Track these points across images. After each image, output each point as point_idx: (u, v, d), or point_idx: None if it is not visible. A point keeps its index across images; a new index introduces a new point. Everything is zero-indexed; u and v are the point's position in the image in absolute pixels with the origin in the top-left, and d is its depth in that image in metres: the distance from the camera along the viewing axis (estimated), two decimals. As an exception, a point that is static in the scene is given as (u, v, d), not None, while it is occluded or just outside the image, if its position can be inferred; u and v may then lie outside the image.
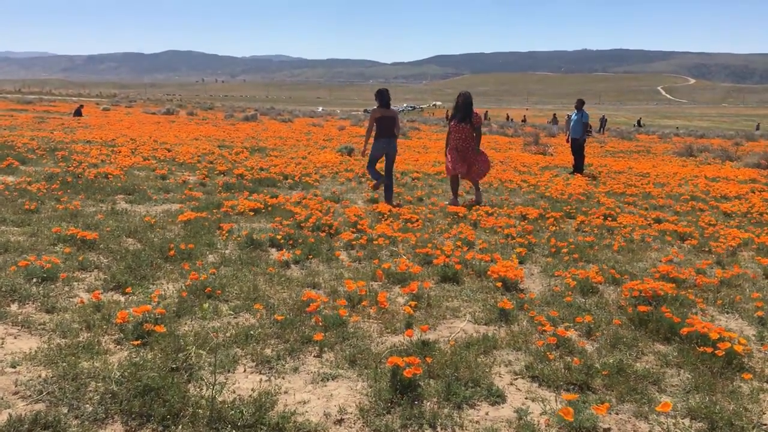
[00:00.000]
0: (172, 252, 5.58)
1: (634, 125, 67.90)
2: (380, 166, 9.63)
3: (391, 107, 9.55)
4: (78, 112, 31.09)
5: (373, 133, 9.42)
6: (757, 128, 70.07)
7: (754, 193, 12.07)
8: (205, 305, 3.67)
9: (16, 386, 3.13)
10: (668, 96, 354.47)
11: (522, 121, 66.67)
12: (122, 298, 4.53)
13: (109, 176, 10.05)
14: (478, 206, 9.12)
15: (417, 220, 7.85)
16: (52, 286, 4.67)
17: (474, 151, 9.78)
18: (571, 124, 15.70)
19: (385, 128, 9.32)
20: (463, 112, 9.72)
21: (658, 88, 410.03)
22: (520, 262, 6.16)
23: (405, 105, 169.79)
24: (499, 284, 5.20)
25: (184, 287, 4.70)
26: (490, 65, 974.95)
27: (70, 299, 4.46)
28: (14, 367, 3.35)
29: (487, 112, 72.65)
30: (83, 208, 7.61)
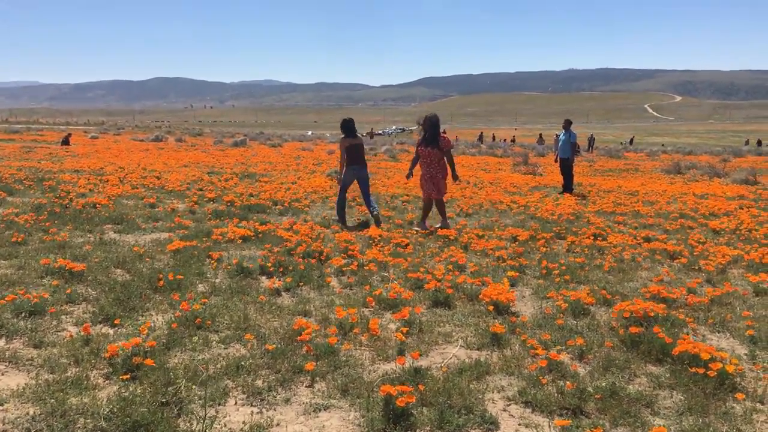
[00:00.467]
0: (161, 282, 5.54)
1: (621, 143, 68.71)
2: (353, 195, 9.79)
3: (358, 134, 9.96)
4: (66, 141, 31.03)
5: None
6: (746, 143, 70.73)
7: (742, 209, 12.15)
8: (195, 338, 3.64)
9: (3, 424, 3.09)
10: (655, 114, 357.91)
11: (511, 141, 67.12)
12: (111, 331, 4.48)
13: (98, 206, 10.01)
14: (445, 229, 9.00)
15: (408, 245, 7.84)
16: (40, 320, 4.63)
17: (443, 175, 9.34)
18: (560, 144, 15.81)
19: (354, 156, 9.69)
20: (430, 135, 9.35)
21: (645, 106, 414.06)
22: (512, 285, 6.16)
23: (394, 127, 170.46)
24: (490, 308, 5.19)
25: (173, 318, 4.66)
26: (478, 86, 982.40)
27: (59, 333, 4.41)
28: (1, 404, 3.30)
29: (482, 133, 73.19)
30: (71, 238, 7.56)
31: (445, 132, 9.59)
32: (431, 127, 9.35)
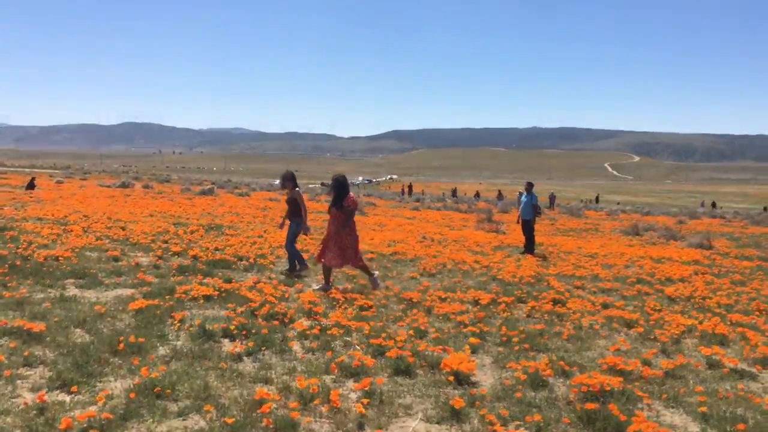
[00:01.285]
0: (121, 345, 5.49)
1: (582, 200, 70.37)
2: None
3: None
4: (31, 185, 30.58)
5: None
6: (702, 205, 72.81)
7: (696, 275, 12.50)
8: (148, 421, 3.62)
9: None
10: (615, 172, 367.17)
11: (475, 196, 68.09)
12: (68, 398, 4.43)
13: (60, 258, 9.88)
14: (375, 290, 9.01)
15: (371, 307, 7.89)
16: (-5, 385, 4.55)
17: (351, 242, 9.12)
18: (521, 206, 16.16)
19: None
20: (335, 196, 9.16)
21: (605, 164, 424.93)
22: (473, 352, 6.24)
23: (361, 178, 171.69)
24: (451, 378, 5.25)
25: (132, 386, 4.62)
26: (444, 140, 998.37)
27: (13, 400, 4.34)
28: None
29: (455, 188, 74.14)
30: (31, 294, 7.45)
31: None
32: (337, 188, 9.11)
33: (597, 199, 75.86)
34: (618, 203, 72.47)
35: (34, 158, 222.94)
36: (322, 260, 9.16)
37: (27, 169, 70.07)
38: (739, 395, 5.28)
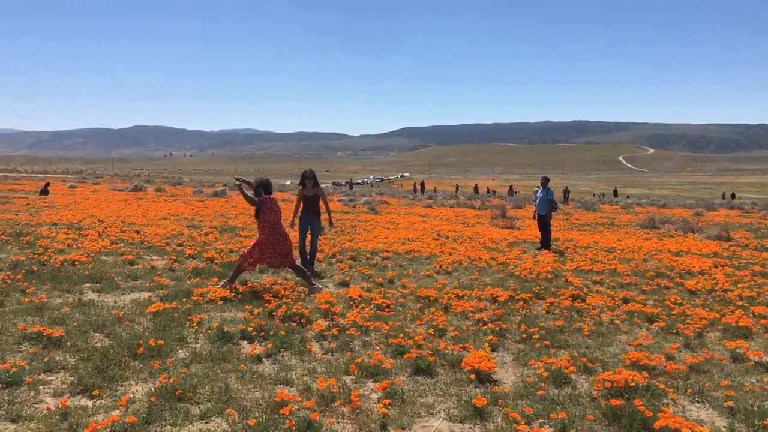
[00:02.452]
0: (141, 349, 5.49)
1: (595, 194, 69.85)
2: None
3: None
4: (44, 191, 30.80)
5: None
6: (723, 197, 71.82)
7: (717, 267, 12.35)
8: (170, 424, 3.60)
9: None
10: (629, 165, 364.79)
11: (487, 192, 67.90)
12: (90, 403, 4.42)
13: (76, 263, 9.91)
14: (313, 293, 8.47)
15: (388, 306, 7.86)
16: (18, 391, 4.55)
17: (282, 243, 8.82)
18: (537, 201, 16.05)
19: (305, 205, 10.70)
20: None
21: (619, 157, 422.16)
22: (492, 350, 6.19)
23: (371, 177, 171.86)
24: (472, 376, 5.21)
25: (153, 390, 4.61)
26: (456, 137, 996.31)
27: (36, 406, 4.34)
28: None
29: (476, 185, 73.84)
30: (49, 299, 7.47)
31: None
32: (262, 190, 8.87)
33: (615, 193, 74.89)
34: (627, 197, 71.77)
35: (47, 163, 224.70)
36: (249, 265, 8.70)
37: (40, 175, 70.62)
38: (765, 388, 5.19)
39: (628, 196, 74.32)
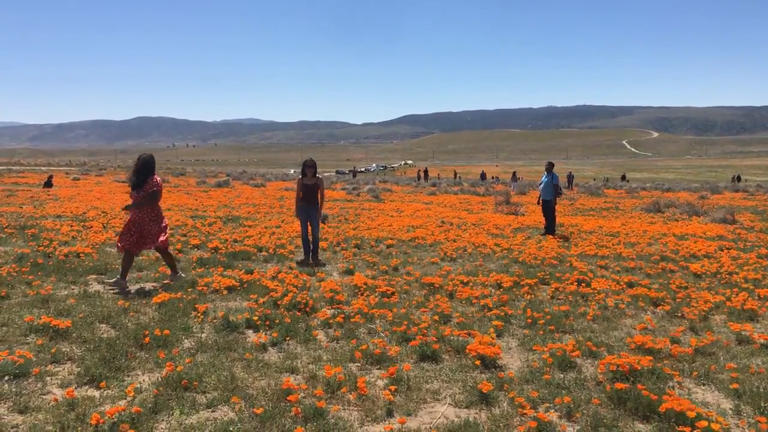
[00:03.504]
0: (147, 339, 5.51)
1: (594, 179, 69.50)
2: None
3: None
4: (48, 183, 30.85)
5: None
6: (733, 180, 70.97)
7: (722, 251, 12.32)
8: (177, 413, 3.61)
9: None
10: (633, 149, 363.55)
11: (492, 178, 67.72)
12: (97, 393, 4.44)
13: (81, 255, 9.94)
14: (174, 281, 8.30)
15: (393, 293, 7.86)
16: (25, 382, 4.58)
17: (153, 225, 8.31)
18: (542, 186, 16.01)
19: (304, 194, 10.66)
20: (137, 177, 8.35)
21: (623, 142, 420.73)
22: (498, 336, 6.19)
23: (374, 165, 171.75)
24: (477, 362, 5.21)
25: (160, 379, 4.63)
26: (459, 123, 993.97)
27: (43, 397, 4.36)
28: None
29: (483, 171, 73.43)
30: (54, 291, 7.49)
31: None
32: (141, 169, 8.33)
33: (624, 178, 74.30)
34: (628, 180, 71.28)
35: (50, 156, 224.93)
36: (122, 247, 8.19)
37: (44, 168, 70.77)
38: (771, 371, 5.18)
39: (628, 180, 73.98)
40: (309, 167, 10.62)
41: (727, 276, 9.51)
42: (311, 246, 10.58)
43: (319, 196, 10.64)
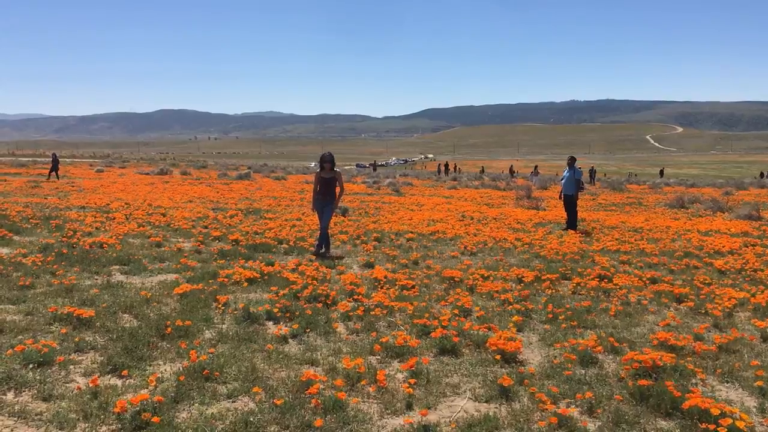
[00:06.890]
0: (168, 329, 5.56)
1: (628, 173, 68.62)
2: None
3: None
4: (54, 167, 30.99)
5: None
6: (762, 175, 69.67)
7: (747, 247, 12.14)
8: (198, 403, 3.63)
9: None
10: (657, 144, 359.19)
11: (510, 172, 67.35)
12: (119, 382, 4.49)
13: (104, 245, 10.05)
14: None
15: (413, 287, 7.85)
16: (49, 370, 4.64)
17: None
18: (564, 180, 15.88)
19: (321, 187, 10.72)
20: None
21: (647, 136, 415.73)
22: (518, 330, 6.16)
23: (394, 159, 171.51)
24: (497, 357, 5.19)
25: (181, 369, 4.67)
26: (480, 117, 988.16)
27: (67, 385, 4.42)
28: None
29: (512, 165, 73.08)
30: (78, 281, 7.58)
31: None
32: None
33: (661, 173, 72.66)
34: (636, 175, 70.02)
35: (74, 147, 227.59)
36: None
37: (68, 159, 71.58)
38: (797, 369, 5.10)
39: (636, 175, 72.81)
40: (326, 161, 10.61)
41: (751, 273, 9.37)
42: (320, 236, 10.51)
43: (337, 189, 10.64)
